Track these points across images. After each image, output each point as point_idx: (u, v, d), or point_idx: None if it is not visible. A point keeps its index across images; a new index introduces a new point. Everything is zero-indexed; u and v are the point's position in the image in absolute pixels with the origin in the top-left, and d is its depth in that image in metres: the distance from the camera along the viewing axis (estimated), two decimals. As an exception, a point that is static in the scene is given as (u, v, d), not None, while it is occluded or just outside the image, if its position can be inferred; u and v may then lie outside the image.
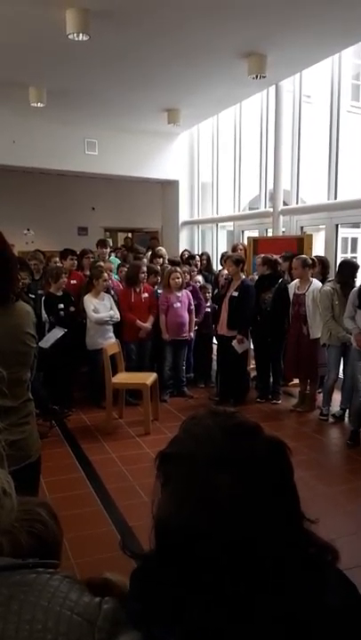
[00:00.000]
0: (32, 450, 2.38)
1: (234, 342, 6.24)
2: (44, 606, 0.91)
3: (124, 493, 4.18)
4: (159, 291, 6.93)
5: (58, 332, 5.77)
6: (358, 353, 5.27)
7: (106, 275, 6.47)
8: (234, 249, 8.14)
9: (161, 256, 8.24)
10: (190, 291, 6.92)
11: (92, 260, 7.51)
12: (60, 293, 6.20)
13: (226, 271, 6.85)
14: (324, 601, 0.81)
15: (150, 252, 8.88)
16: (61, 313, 6.11)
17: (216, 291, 7.23)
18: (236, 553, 0.77)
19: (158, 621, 0.82)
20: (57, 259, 7.45)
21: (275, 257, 6.57)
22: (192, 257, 8.66)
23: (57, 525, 1.35)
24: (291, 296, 6.18)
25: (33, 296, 6.18)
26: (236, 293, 6.30)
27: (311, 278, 6.12)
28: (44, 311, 6.00)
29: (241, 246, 8.24)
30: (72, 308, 6.27)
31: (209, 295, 7.27)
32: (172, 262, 7.70)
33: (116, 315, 6.39)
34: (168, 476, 0.84)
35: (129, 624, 0.91)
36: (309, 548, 0.85)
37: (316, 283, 6.06)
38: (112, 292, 6.64)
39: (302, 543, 0.84)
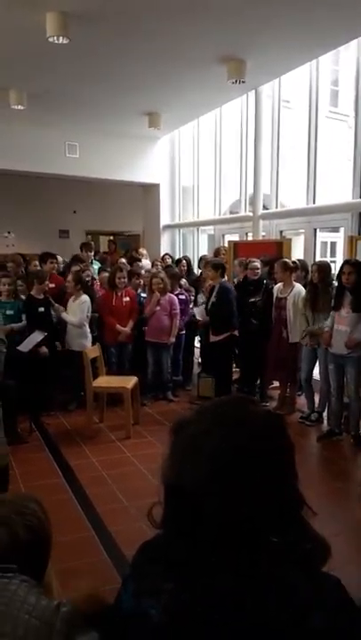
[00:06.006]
0: (3, 455, 2.37)
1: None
2: (2, 610, 0.92)
3: (104, 498, 4.17)
4: (143, 295, 6.92)
5: (37, 336, 5.72)
6: (333, 357, 5.33)
7: None
8: (217, 253, 8.08)
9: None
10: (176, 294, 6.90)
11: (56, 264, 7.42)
12: (40, 296, 6.18)
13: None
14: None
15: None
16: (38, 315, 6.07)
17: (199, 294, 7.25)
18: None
19: (147, 593, 0.87)
20: (37, 262, 7.40)
21: (245, 260, 6.57)
22: (178, 261, 8.64)
23: (48, 522, 1.37)
24: (274, 299, 6.21)
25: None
26: (215, 299, 6.33)
27: (294, 282, 6.14)
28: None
29: (224, 250, 8.24)
30: (53, 313, 6.25)
31: (192, 298, 7.30)
32: (168, 269, 7.64)
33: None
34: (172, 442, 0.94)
35: (86, 626, 0.93)
36: (305, 542, 0.87)
37: (298, 287, 6.08)
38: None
39: (295, 532, 0.90)
